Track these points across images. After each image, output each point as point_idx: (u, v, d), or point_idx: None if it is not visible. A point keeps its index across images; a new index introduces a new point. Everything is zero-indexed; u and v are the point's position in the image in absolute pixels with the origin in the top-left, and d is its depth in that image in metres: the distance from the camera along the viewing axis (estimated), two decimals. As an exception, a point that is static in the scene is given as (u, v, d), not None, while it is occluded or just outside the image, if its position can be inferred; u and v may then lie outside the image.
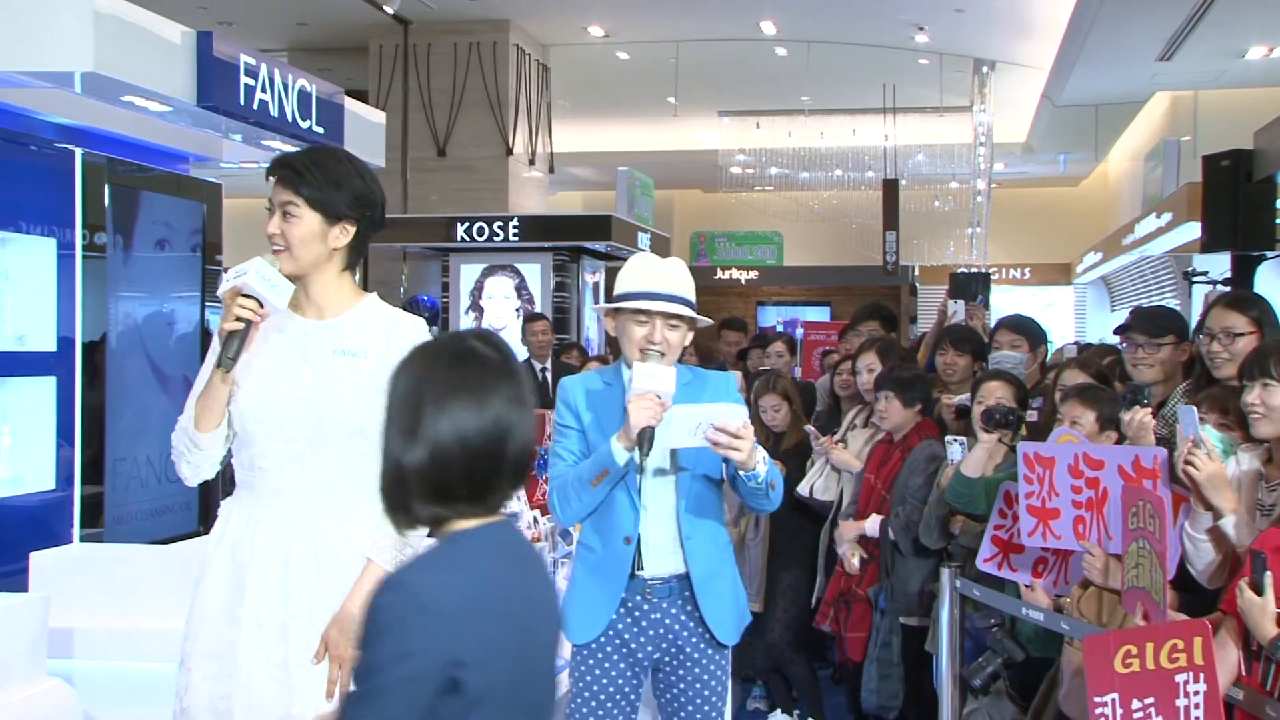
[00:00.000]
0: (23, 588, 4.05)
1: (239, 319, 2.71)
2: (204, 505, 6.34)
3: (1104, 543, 3.53)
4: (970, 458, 4.48)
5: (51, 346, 5.37)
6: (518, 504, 5.26)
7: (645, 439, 3.10)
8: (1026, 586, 3.97)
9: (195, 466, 2.86)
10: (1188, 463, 3.11)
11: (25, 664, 3.34)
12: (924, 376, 5.43)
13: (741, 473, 3.20)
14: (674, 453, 3.28)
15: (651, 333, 3.26)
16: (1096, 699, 2.79)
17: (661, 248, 15.33)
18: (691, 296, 3.34)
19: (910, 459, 5.15)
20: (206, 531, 5.90)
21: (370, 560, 2.73)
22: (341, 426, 2.76)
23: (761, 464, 3.19)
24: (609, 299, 3.42)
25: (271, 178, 2.79)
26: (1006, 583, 4.23)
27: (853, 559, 5.26)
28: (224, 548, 2.81)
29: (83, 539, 5.43)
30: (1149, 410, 3.65)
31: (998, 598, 4.12)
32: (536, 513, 5.15)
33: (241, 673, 2.73)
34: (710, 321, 3.41)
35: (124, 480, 5.83)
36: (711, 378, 3.46)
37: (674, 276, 3.33)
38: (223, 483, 6.64)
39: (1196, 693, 2.73)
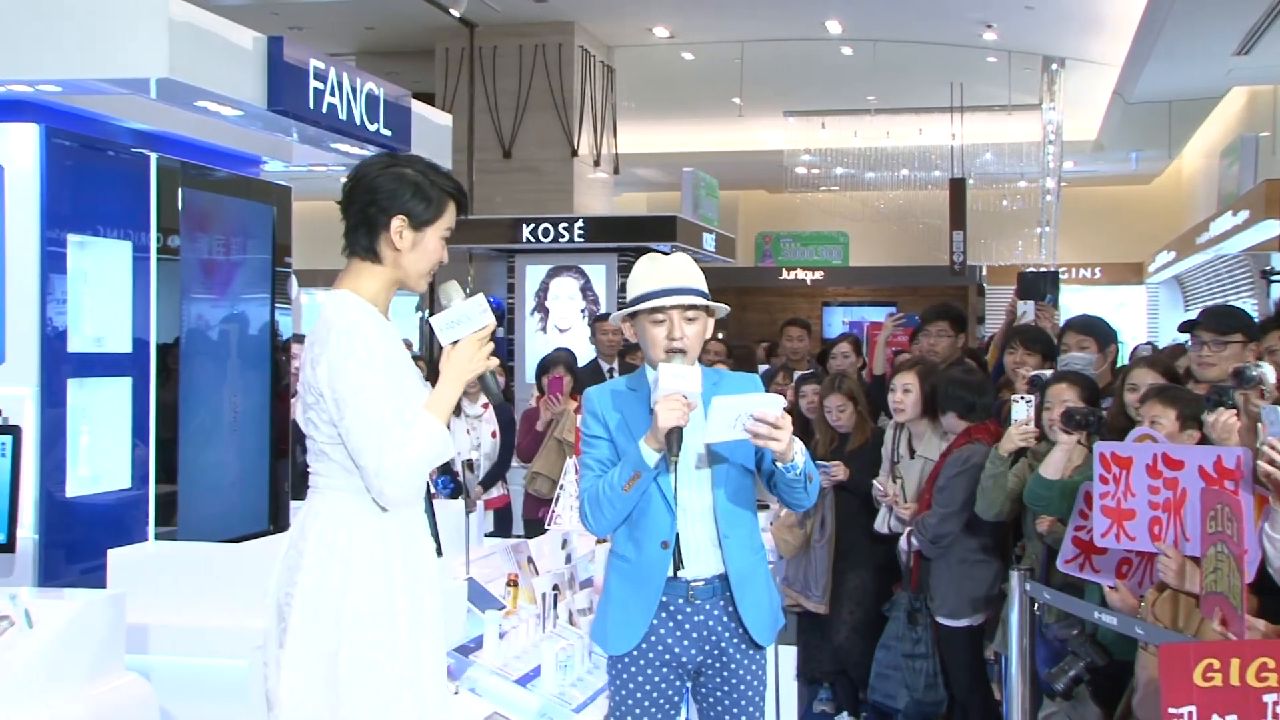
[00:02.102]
0: (101, 584, 4.13)
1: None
2: (273, 505, 6.41)
3: (1180, 545, 3.47)
4: (1049, 460, 4.42)
5: (127, 348, 5.46)
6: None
7: (674, 439, 3.10)
8: (1111, 588, 3.91)
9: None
10: (1270, 461, 3.04)
11: (104, 659, 3.40)
12: (979, 383, 5.36)
13: (779, 464, 3.19)
14: (708, 452, 3.27)
15: (671, 329, 3.24)
16: (1171, 710, 2.73)
17: (726, 248, 15.31)
18: (703, 288, 3.31)
19: (946, 464, 5.10)
20: (276, 530, 5.99)
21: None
22: None
23: (799, 455, 3.18)
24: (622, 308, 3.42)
25: (456, 206, 2.91)
26: (1089, 585, 4.17)
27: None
28: (396, 557, 2.80)
29: (157, 537, 5.51)
30: (1234, 412, 3.58)
31: (1068, 601, 4.07)
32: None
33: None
34: (726, 308, 3.39)
35: (196, 479, 5.92)
36: (730, 377, 3.45)
37: (682, 270, 3.31)
38: (294, 484, 6.74)
39: (1288, 716, 2.66)
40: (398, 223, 2.82)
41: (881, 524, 5.61)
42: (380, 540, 2.77)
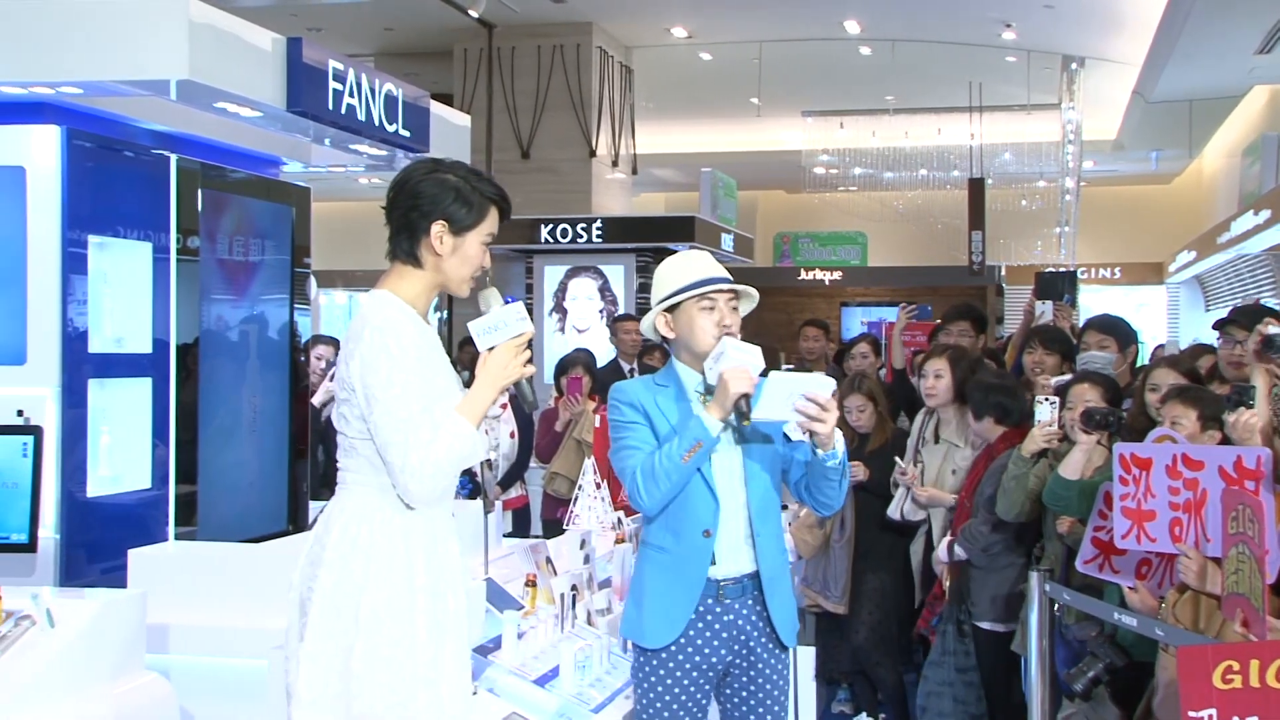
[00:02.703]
0: (122, 584, 4.15)
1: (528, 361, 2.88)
2: (292, 505, 6.43)
3: (1201, 546, 3.45)
4: (1069, 460, 4.41)
5: (147, 348, 5.49)
6: (601, 505, 5.28)
7: (742, 408, 3.14)
8: (1130, 589, 3.90)
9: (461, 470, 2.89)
10: None
11: (125, 658, 3.42)
12: (1013, 387, 5.32)
13: (820, 451, 3.21)
14: (743, 447, 3.31)
15: (720, 316, 3.30)
16: (1191, 713, 2.71)
17: (744, 249, 15.29)
18: None
19: (989, 470, 5.07)
20: (295, 531, 6.00)
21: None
22: None
23: (839, 444, 3.22)
24: (653, 306, 3.44)
25: (498, 211, 2.97)
26: (1108, 586, 4.15)
27: (947, 583, 5.23)
28: (416, 553, 2.81)
29: (177, 537, 5.54)
30: (1255, 412, 3.57)
31: (1088, 602, 4.05)
32: (621, 514, 5.16)
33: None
34: (755, 294, 3.43)
35: (215, 480, 5.94)
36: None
37: (716, 264, 3.41)
38: (313, 484, 6.75)
39: (1310, 718, 2.63)
40: (438, 228, 2.85)
41: (895, 510, 5.59)
42: (402, 538, 2.78)
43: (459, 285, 2.91)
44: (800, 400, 3.12)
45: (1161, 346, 8.45)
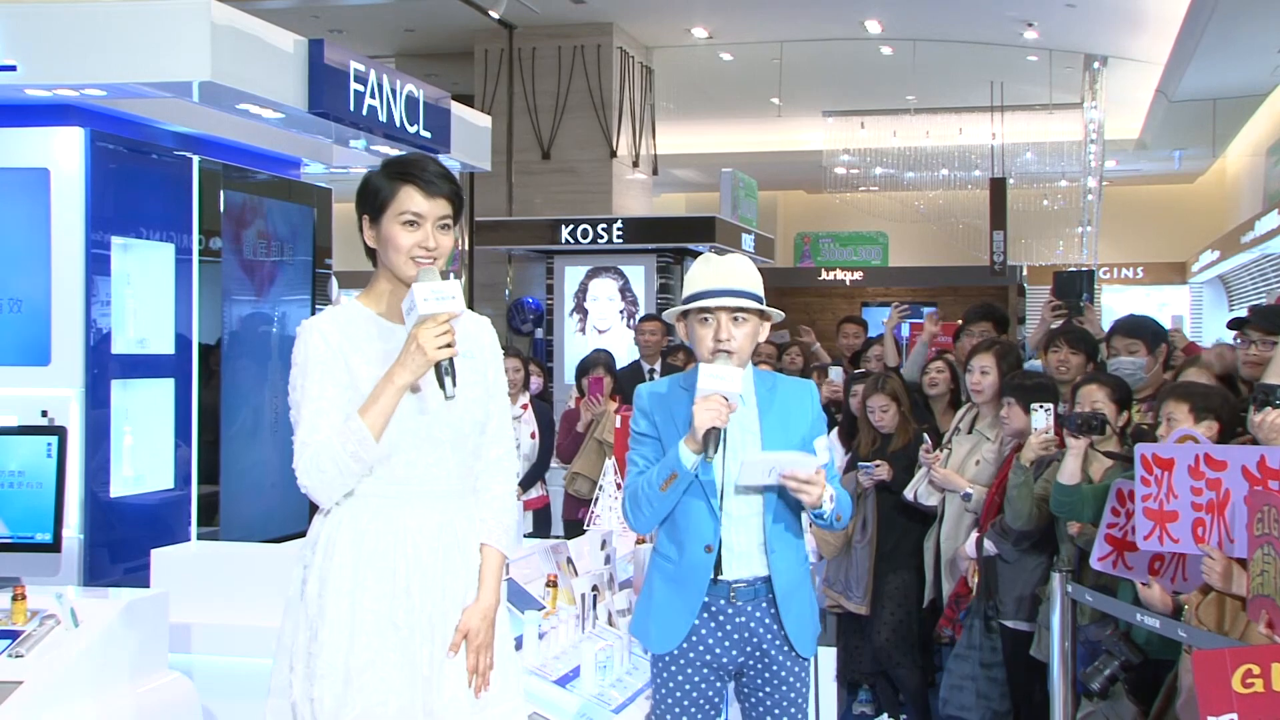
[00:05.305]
0: (145, 584, 4.17)
1: (447, 345, 2.68)
2: (314, 506, 6.44)
3: (1225, 546, 3.43)
4: (1064, 467, 4.38)
5: (170, 349, 5.52)
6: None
7: (712, 440, 3.10)
8: (1143, 585, 3.88)
9: (356, 479, 2.77)
10: None
11: (148, 657, 3.44)
12: (1049, 384, 5.28)
13: (810, 511, 3.25)
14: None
15: (717, 330, 3.24)
16: (1211, 717, 2.67)
17: (765, 249, 15.26)
18: (757, 291, 3.29)
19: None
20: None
21: (487, 545, 2.85)
22: (477, 424, 2.84)
23: (828, 502, 3.22)
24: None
25: (413, 187, 2.76)
26: (1120, 584, 4.13)
27: (972, 579, 5.21)
28: (365, 557, 2.76)
29: (199, 537, 5.56)
30: (1280, 412, 3.54)
31: (1110, 603, 4.03)
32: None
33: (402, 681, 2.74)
34: (781, 314, 3.38)
35: (237, 480, 5.96)
36: (786, 383, 3.43)
37: (734, 272, 3.29)
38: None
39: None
40: (365, 224, 2.84)
41: (910, 490, 5.58)
42: (352, 543, 2.78)
43: (400, 270, 2.79)
44: (778, 477, 3.13)
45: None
